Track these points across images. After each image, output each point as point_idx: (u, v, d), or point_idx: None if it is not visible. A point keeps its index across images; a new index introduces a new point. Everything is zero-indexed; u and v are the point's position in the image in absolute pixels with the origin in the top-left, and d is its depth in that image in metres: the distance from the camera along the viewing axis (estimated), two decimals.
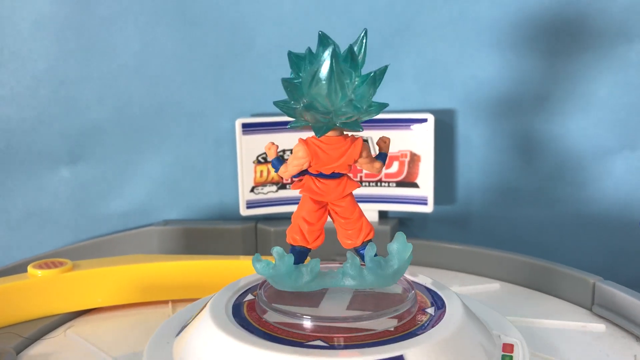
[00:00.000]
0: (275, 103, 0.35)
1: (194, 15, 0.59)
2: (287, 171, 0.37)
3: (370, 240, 0.37)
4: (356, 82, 0.34)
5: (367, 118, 0.35)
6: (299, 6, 0.58)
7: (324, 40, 0.34)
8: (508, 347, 0.36)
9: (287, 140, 0.59)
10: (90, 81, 0.59)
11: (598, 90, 0.57)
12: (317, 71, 0.33)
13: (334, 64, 0.33)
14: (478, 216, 0.61)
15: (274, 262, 0.36)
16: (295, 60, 0.35)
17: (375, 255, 0.37)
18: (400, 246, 0.36)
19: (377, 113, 0.36)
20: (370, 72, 0.34)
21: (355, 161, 0.36)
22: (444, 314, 0.36)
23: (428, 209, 0.58)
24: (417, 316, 0.36)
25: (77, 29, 0.58)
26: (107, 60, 0.59)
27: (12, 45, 0.58)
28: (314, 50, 0.35)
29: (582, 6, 0.56)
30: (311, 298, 0.37)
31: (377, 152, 0.38)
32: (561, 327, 0.45)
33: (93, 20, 0.58)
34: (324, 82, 0.33)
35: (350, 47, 0.34)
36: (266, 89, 0.60)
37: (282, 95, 0.61)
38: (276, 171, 0.37)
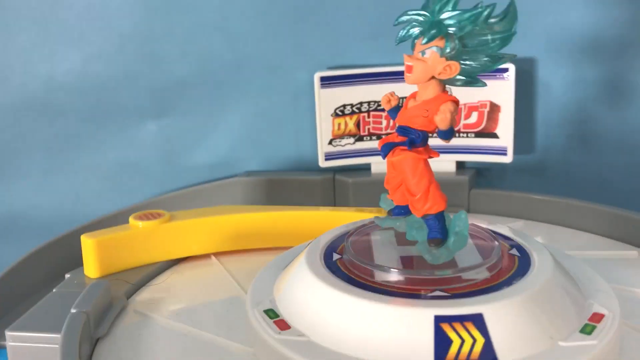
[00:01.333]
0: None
1: None
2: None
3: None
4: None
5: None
6: None
7: None
8: (596, 317, 0.34)
9: (366, 93, 0.60)
10: (173, 37, 0.61)
11: None
12: None
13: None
14: (558, 165, 0.61)
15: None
16: None
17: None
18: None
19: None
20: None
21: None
22: (534, 263, 0.37)
23: (507, 159, 0.58)
24: (509, 264, 0.36)
25: None
26: (189, 16, 0.60)
27: (99, 3, 0.60)
28: None
29: None
30: (368, 252, 0.38)
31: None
32: None
33: None
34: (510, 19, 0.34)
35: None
36: (344, 41, 0.61)
37: (360, 47, 0.61)
38: (448, 139, 0.35)
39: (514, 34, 0.34)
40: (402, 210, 0.38)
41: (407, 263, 0.37)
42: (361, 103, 0.60)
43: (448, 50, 0.34)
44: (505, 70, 0.56)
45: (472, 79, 0.35)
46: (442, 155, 0.59)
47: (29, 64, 0.61)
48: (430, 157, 0.36)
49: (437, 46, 0.34)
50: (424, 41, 0.34)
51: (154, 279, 0.47)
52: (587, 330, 0.33)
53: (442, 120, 0.34)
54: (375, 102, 0.60)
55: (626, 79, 0.58)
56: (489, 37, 0.34)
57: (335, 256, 0.39)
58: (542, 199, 0.56)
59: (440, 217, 0.36)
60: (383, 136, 0.60)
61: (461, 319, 0.31)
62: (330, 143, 0.61)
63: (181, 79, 0.62)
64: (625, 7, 0.56)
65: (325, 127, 0.60)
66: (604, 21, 0.57)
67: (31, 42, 0.61)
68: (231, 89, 0.63)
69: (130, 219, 0.49)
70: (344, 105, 0.60)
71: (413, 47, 0.35)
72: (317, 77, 0.59)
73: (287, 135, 0.64)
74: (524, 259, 0.37)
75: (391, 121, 0.60)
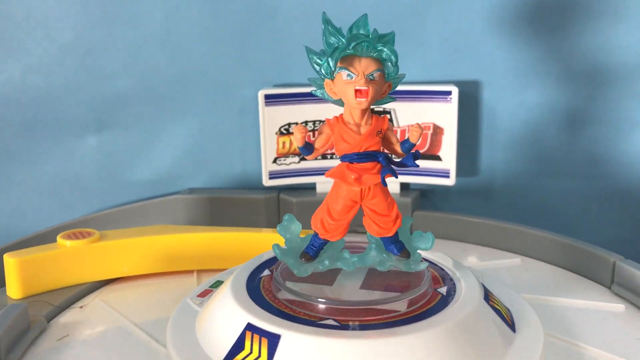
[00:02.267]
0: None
1: None
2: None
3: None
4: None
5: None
6: None
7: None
8: None
9: (312, 111, 0.59)
10: (115, 50, 0.60)
11: (627, 61, 0.56)
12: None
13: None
14: (501, 188, 0.61)
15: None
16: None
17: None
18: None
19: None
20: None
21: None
22: (459, 296, 0.36)
23: (450, 182, 0.58)
24: (431, 297, 0.36)
25: None
26: (132, 29, 0.59)
27: (39, 14, 0.58)
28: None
29: None
30: (326, 275, 0.38)
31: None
32: (579, 306, 0.45)
33: None
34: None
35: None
36: (289, 58, 0.60)
37: (306, 64, 0.61)
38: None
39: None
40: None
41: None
42: (306, 122, 0.59)
43: (392, 71, 0.35)
44: (449, 93, 0.56)
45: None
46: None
47: None
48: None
49: (381, 69, 0.34)
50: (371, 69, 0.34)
51: (78, 300, 0.46)
52: None
53: (417, 135, 0.35)
54: (320, 121, 0.59)
55: (570, 102, 0.58)
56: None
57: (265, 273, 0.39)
58: (484, 222, 0.56)
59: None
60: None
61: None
62: (274, 161, 0.60)
63: (123, 92, 0.61)
64: (568, 32, 0.56)
65: (269, 145, 0.59)
66: (548, 45, 0.57)
67: None
68: (174, 104, 0.62)
69: (58, 238, 0.47)
70: (289, 124, 0.59)
71: (333, 72, 0.35)
72: (261, 95, 0.58)
73: (232, 153, 0.63)
74: (447, 294, 0.37)
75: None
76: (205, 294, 0.41)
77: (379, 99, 0.36)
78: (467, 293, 0.37)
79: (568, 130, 0.59)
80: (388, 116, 0.36)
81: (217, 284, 0.42)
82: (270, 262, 0.41)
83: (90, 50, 0.60)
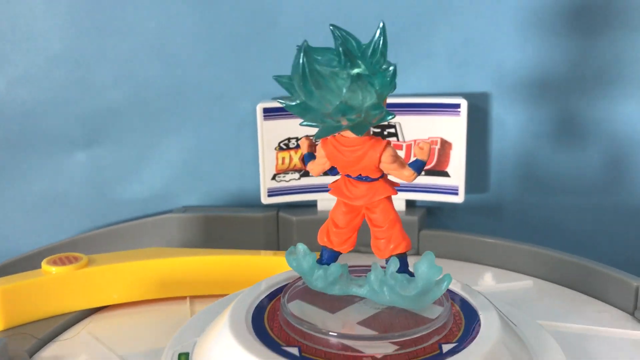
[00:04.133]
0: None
1: None
2: (312, 169, 0.36)
3: (401, 255, 0.34)
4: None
5: (374, 123, 0.32)
6: None
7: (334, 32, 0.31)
8: None
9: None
10: (105, 62, 0.57)
11: None
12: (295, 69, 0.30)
13: (305, 62, 0.30)
14: (512, 206, 0.58)
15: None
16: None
17: (403, 271, 0.34)
18: (427, 268, 0.33)
19: (378, 122, 0.32)
20: (358, 73, 0.30)
21: (377, 166, 0.33)
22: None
23: (459, 199, 0.55)
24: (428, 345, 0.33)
25: (91, 7, 0.56)
26: (123, 39, 0.56)
27: (25, 24, 0.55)
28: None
29: None
30: (333, 303, 0.36)
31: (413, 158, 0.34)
32: (600, 333, 0.42)
33: None
34: (298, 82, 0.30)
35: (343, 42, 0.30)
36: (289, 70, 0.57)
37: None
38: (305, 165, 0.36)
39: None
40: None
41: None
42: (307, 137, 0.56)
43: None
44: (458, 105, 0.53)
45: None
46: None
47: None
48: None
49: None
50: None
51: (65, 331, 0.43)
52: None
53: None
54: None
55: (582, 116, 0.55)
56: None
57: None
58: (494, 242, 0.54)
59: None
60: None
61: None
62: (273, 178, 0.57)
63: (114, 106, 0.58)
64: (581, 41, 0.54)
65: (268, 161, 0.56)
66: (560, 55, 0.54)
67: None
68: (169, 117, 0.59)
69: (43, 264, 0.44)
70: (289, 139, 0.56)
71: None
72: (259, 108, 0.55)
73: (229, 169, 0.60)
74: (468, 323, 0.34)
75: None
76: None
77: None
78: (486, 325, 0.34)
79: (581, 144, 0.56)
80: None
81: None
82: (272, 292, 0.38)
83: (79, 62, 0.57)
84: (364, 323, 0.34)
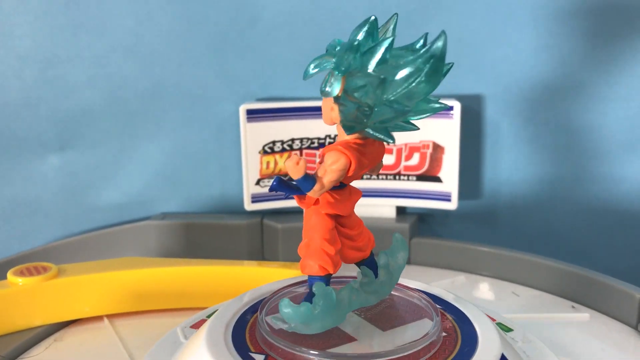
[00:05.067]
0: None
1: None
2: (324, 187, 0.29)
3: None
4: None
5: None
6: None
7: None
8: None
9: (299, 128, 0.54)
10: (79, 60, 0.54)
11: None
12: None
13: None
14: (506, 212, 0.56)
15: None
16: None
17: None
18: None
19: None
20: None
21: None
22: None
23: (452, 205, 0.53)
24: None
25: (65, 3, 0.53)
26: (98, 37, 0.54)
27: None
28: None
29: None
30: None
31: None
32: (602, 348, 0.40)
33: None
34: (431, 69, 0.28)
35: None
36: (273, 69, 0.55)
37: (293, 77, 0.56)
38: (306, 192, 0.29)
39: None
40: None
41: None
42: (293, 139, 0.54)
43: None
44: (450, 108, 0.51)
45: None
46: (381, 200, 0.54)
47: None
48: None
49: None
50: None
51: (31, 348, 0.40)
52: None
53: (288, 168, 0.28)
54: (308, 139, 0.54)
55: (579, 120, 0.53)
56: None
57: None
58: (489, 250, 0.51)
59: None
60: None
61: None
62: (257, 183, 0.54)
63: (88, 107, 0.55)
64: (579, 43, 0.52)
65: (252, 165, 0.54)
66: (557, 57, 0.52)
67: None
68: (146, 119, 0.56)
69: (9, 275, 0.41)
70: (274, 142, 0.54)
71: None
72: (242, 109, 0.52)
73: (210, 174, 0.58)
74: (465, 338, 0.31)
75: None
76: (199, 325, 0.36)
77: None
78: (484, 342, 0.31)
79: (577, 149, 0.54)
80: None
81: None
82: (255, 304, 0.36)
83: (52, 61, 0.54)
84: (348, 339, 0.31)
